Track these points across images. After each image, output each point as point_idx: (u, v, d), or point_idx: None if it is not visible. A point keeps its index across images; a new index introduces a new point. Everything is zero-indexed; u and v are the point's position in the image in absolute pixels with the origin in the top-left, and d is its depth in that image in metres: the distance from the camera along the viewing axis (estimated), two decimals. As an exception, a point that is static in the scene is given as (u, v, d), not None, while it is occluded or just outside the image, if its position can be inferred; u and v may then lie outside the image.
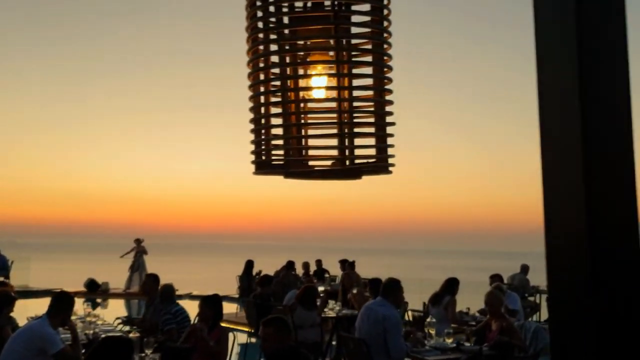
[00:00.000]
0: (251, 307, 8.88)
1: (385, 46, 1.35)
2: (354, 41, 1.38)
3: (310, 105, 1.34)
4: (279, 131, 1.36)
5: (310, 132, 1.35)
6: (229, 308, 15.39)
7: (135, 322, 7.31)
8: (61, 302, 5.21)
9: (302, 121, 1.34)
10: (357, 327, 5.96)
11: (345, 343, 6.04)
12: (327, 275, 15.54)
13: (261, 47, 1.35)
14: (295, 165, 1.31)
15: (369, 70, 1.36)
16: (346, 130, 1.29)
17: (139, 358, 5.16)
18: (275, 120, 1.35)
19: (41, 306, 7.52)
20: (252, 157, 1.37)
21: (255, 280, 15.08)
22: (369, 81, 1.36)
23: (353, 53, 1.35)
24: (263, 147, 1.34)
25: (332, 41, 1.32)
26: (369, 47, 1.38)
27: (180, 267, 46.36)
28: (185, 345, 5.42)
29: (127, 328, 7.70)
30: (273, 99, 1.36)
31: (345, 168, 1.28)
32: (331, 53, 1.33)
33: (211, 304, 5.89)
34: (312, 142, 1.35)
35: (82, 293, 18.24)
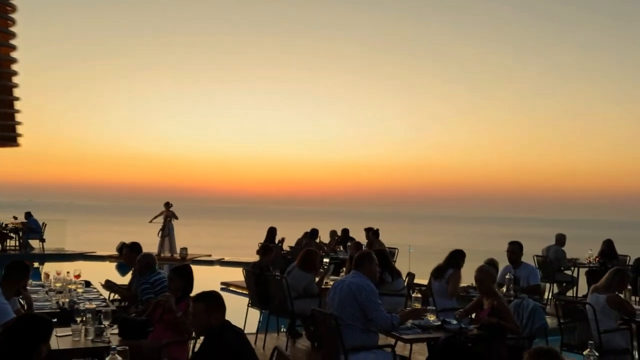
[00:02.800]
0: (250, 276, 8.62)
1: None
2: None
3: None
4: None
5: None
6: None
7: (119, 290, 7.13)
8: (15, 271, 5.05)
9: None
10: (328, 302, 5.61)
11: (316, 318, 5.70)
12: (349, 244, 15.17)
13: None
14: None
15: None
16: None
17: (96, 329, 4.98)
18: None
19: (74, 270, 7.51)
20: None
21: (277, 248, 14.90)
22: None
23: None
24: None
25: None
26: None
27: (218, 231, 46.92)
28: (142, 317, 5.19)
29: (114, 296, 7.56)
30: None
31: None
32: None
33: (180, 275, 5.64)
34: None
35: (115, 257, 18.50)
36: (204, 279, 17.06)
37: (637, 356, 6.91)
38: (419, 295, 5.93)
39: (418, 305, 5.81)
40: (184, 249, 18.63)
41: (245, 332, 8.43)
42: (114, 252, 18.75)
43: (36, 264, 17.91)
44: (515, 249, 8.22)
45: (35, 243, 19.49)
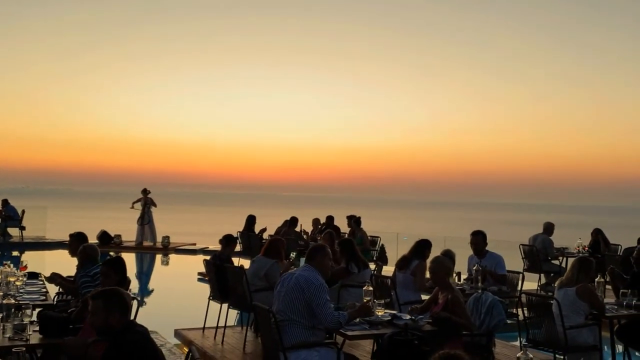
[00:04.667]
0: (210, 267, 8.28)
1: None
2: None
3: None
4: None
5: None
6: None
7: (63, 283, 6.78)
8: None
9: None
10: (275, 295, 5.28)
11: (256, 313, 5.37)
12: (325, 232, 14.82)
13: None
14: None
15: None
16: None
17: (16, 326, 4.65)
18: None
19: (56, 258, 7.12)
20: None
21: (257, 238, 14.56)
22: None
23: None
24: None
25: None
26: None
27: (212, 218, 46.53)
28: (64, 314, 4.85)
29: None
30: None
31: None
32: None
33: (115, 269, 5.28)
34: None
35: (96, 246, 18.14)
36: (183, 268, 16.85)
37: (609, 351, 6.56)
38: (370, 289, 5.56)
39: (368, 299, 5.46)
40: (166, 237, 18.27)
41: (206, 326, 8.22)
42: (95, 241, 18.41)
43: (15, 253, 17.62)
44: (478, 241, 7.86)
45: (15, 231, 19.16)
